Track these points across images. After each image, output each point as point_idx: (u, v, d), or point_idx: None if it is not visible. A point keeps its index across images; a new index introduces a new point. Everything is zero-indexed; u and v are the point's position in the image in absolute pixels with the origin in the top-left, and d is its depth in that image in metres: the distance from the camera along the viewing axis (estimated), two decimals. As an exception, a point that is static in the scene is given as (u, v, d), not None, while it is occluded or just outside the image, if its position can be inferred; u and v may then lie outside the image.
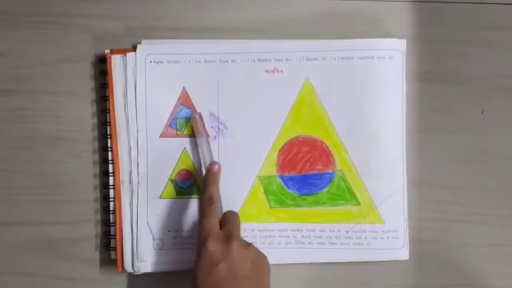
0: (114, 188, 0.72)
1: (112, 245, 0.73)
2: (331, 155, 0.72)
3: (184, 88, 0.72)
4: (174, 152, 0.72)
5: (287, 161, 0.72)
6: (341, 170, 0.72)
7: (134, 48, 0.72)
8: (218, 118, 0.72)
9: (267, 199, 0.72)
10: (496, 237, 0.74)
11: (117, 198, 0.72)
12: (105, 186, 0.73)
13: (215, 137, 0.72)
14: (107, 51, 0.72)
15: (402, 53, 0.72)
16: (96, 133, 0.74)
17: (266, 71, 0.72)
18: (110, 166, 0.72)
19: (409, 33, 0.73)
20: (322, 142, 0.72)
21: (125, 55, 0.71)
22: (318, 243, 0.73)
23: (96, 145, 0.74)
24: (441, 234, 0.74)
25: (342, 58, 0.72)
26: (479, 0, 0.73)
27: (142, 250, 0.72)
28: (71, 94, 0.73)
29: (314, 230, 0.73)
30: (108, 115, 0.72)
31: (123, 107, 0.72)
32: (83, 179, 0.74)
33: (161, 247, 0.72)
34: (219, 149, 0.72)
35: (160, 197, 0.72)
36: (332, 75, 0.72)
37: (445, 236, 0.74)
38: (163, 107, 0.72)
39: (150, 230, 0.72)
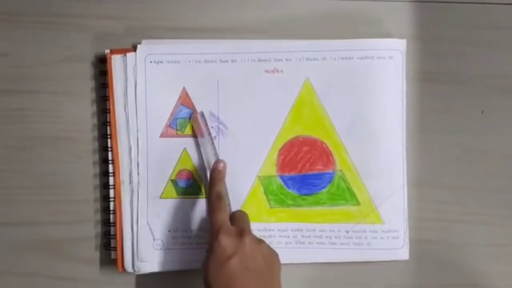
0: (114, 188, 0.72)
1: (112, 245, 0.73)
2: (331, 155, 0.72)
3: (184, 88, 0.72)
4: (174, 152, 0.72)
5: (287, 161, 0.72)
6: (341, 170, 0.72)
7: (134, 48, 0.72)
8: (218, 118, 0.72)
9: (267, 199, 0.72)
10: (496, 237, 0.74)
11: (117, 198, 0.72)
12: (105, 186, 0.73)
13: (215, 137, 0.72)
14: (107, 51, 0.72)
15: (402, 53, 0.72)
16: (96, 133, 0.74)
17: (266, 71, 0.72)
18: (110, 166, 0.72)
19: (409, 33, 0.73)
20: (322, 142, 0.72)
21: (125, 55, 0.71)
22: (318, 243, 0.73)
23: (96, 145, 0.74)
24: (441, 234, 0.74)
25: (342, 58, 0.72)
26: (479, 0, 0.73)
27: (143, 250, 0.72)
28: (71, 94, 0.74)
29: (314, 230, 0.73)
30: (108, 115, 0.72)
31: (123, 107, 0.72)
32: (83, 179, 0.74)
33: (162, 247, 0.72)
34: (219, 149, 0.72)
35: (160, 197, 0.72)
36: (332, 75, 0.72)
37: (445, 236, 0.74)
38: (163, 107, 0.72)
39: (151, 230, 0.72)
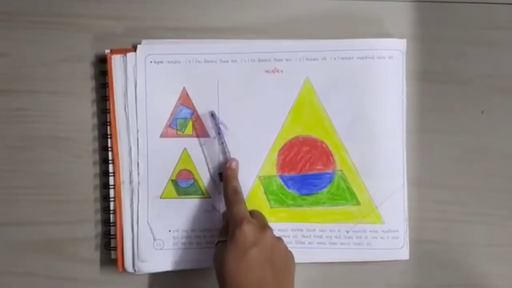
0: (114, 188, 0.72)
1: (112, 245, 0.73)
2: (331, 155, 0.72)
3: (184, 88, 0.72)
4: (175, 152, 0.72)
5: (287, 161, 0.72)
6: (341, 170, 0.72)
7: (134, 48, 0.72)
8: (218, 118, 0.72)
9: (267, 199, 0.72)
10: (496, 237, 0.74)
11: (117, 198, 0.72)
12: (105, 186, 0.73)
13: (214, 137, 0.72)
14: (107, 51, 0.72)
15: (402, 53, 0.72)
16: (96, 133, 0.74)
17: (266, 71, 0.72)
18: (110, 166, 0.72)
19: (409, 33, 0.73)
20: (322, 142, 0.72)
21: (125, 55, 0.71)
22: (318, 243, 0.73)
23: (96, 145, 0.74)
24: (441, 234, 0.74)
25: (342, 58, 0.71)
26: (479, 0, 0.73)
27: (143, 250, 0.72)
28: (71, 94, 0.74)
29: (314, 230, 0.73)
30: (108, 115, 0.72)
31: (123, 107, 0.72)
32: (83, 179, 0.74)
33: (162, 247, 0.72)
34: (219, 149, 0.72)
35: (161, 197, 0.72)
36: (332, 75, 0.72)
37: (445, 236, 0.74)
38: (163, 107, 0.72)
39: (151, 230, 0.72)
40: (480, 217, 0.74)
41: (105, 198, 0.73)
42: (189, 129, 0.72)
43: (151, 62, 0.72)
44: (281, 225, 0.72)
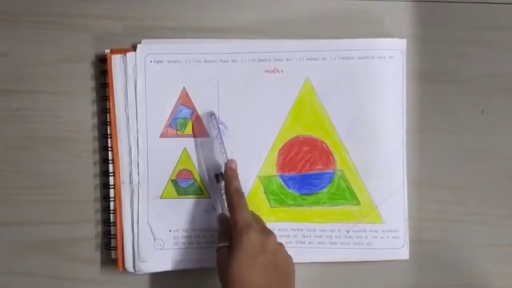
0: (114, 188, 0.72)
1: (112, 244, 0.73)
2: (331, 155, 0.72)
3: (184, 88, 0.72)
4: (174, 152, 0.72)
5: (287, 161, 0.72)
6: (341, 170, 0.72)
7: (134, 48, 0.72)
8: (218, 118, 0.72)
9: (268, 198, 0.72)
10: (496, 237, 0.74)
11: (117, 197, 0.72)
12: (105, 186, 0.73)
13: (214, 137, 0.72)
14: (107, 51, 0.72)
15: (402, 53, 0.72)
16: (96, 133, 0.74)
17: (266, 71, 0.72)
18: (110, 166, 0.72)
19: (409, 33, 0.73)
20: (322, 142, 0.72)
21: (125, 55, 0.71)
22: (318, 243, 0.73)
23: (96, 145, 0.74)
24: (441, 234, 0.74)
25: (342, 58, 0.71)
26: (479, 0, 0.73)
27: (143, 250, 0.72)
28: (71, 94, 0.73)
29: (314, 230, 0.73)
30: (108, 114, 0.72)
31: (123, 107, 0.72)
32: (83, 179, 0.74)
33: (162, 247, 0.72)
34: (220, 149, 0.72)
35: (161, 197, 0.72)
36: (332, 75, 0.72)
37: (445, 236, 0.74)
38: (163, 107, 0.72)
39: (151, 230, 0.72)
40: (480, 217, 0.74)
41: (105, 198, 0.73)
42: (189, 129, 0.72)
43: (151, 61, 0.72)
44: (281, 225, 0.72)
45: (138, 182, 0.72)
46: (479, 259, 0.74)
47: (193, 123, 0.72)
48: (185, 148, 0.72)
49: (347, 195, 0.72)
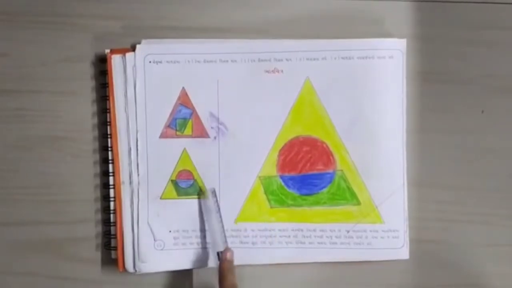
0: (114, 188, 0.72)
1: (112, 244, 0.73)
2: (331, 155, 0.72)
3: (183, 88, 0.72)
4: (174, 153, 0.72)
5: (288, 161, 0.72)
6: (342, 170, 0.72)
7: (133, 48, 0.72)
8: (218, 118, 0.72)
9: (268, 199, 0.72)
10: (496, 237, 0.74)
11: (117, 197, 0.72)
12: (105, 186, 0.73)
13: (215, 137, 0.72)
14: (107, 51, 0.72)
15: (402, 52, 0.72)
16: (96, 133, 0.73)
17: (266, 71, 0.72)
18: (110, 166, 0.72)
19: (409, 33, 0.73)
20: (322, 142, 0.72)
21: (124, 55, 0.71)
22: (318, 243, 0.73)
23: (96, 145, 0.74)
24: (441, 234, 0.74)
25: (342, 58, 0.71)
26: (480, 0, 0.73)
27: (144, 251, 0.72)
28: (71, 94, 0.73)
29: (314, 230, 0.73)
30: (108, 114, 0.72)
31: (123, 107, 0.72)
32: (83, 179, 0.74)
33: (163, 248, 0.72)
34: (219, 150, 0.72)
35: (161, 198, 0.72)
36: (332, 75, 0.71)
37: (445, 236, 0.74)
38: (163, 107, 0.72)
39: (151, 230, 0.72)
40: (480, 217, 0.74)
41: (105, 198, 0.73)
42: (188, 129, 0.72)
43: (150, 62, 0.71)
44: (282, 225, 0.72)
45: (138, 183, 0.72)
46: (479, 259, 0.74)
47: (193, 123, 0.72)
48: (185, 149, 0.72)
49: (347, 195, 0.72)
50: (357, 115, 0.72)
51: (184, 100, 0.72)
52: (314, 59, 0.71)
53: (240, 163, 0.72)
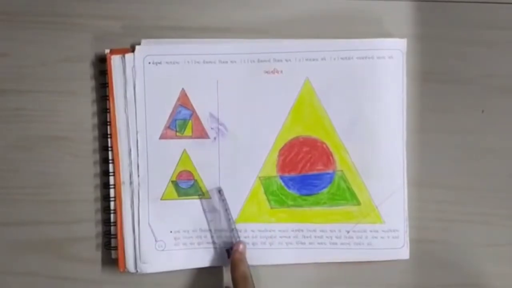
0: (114, 187, 0.72)
1: (113, 244, 0.73)
2: (331, 155, 0.72)
3: (183, 89, 0.72)
4: (174, 153, 0.72)
5: (288, 161, 0.72)
6: (341, 170, 0.72)
7: (133, 49, 0.72)
8: (218, 119, 0.72)
9: (268, 199, 0.72)
10: (496, 237, 0.74)
11: (117, 197, 0.72)
12: (105, 185, 0.73)
13: (215, 138, 0.72)
14: (107, 51, 0.72)
15: (402, 52, 0.71)
16: (96, 133, 0.74)
17: (266, 72, 0.72)
18: (111, 166, 0.72)
19: (409, 33, 0.73)
20: (322, 142, 0.72)
21: (123, 56, 0.71)
22: (319, 243, 0.73)
23: (96, 144, 0.74)
24: (441, 234, 0.74)
25: (342, 58, 0.71)
26: (480, 0, 0.73)
27: (145, 252, 0.72)
28: (71, 94, 0.73)
29: (315, 230, 0.73)
30: (108, 114, 0.72)
31: (123, 108, 0.72)
32: (83, 179, 0.74)
33: (164, 248, 0.72)
34: (219, 150, 0.72)
35: (161, 199, 0.72)
36: (332, 75, 0.71)
37: (445, 236, 0.74)
38: (162, 108, 0.72)
39: (152, 231, 0.72)
40: (480, 217, 0.74)
41: (105, 197, 0.73)
42: (188, 130, 0.72)
43: (149, 63, 0.71)
44: (282, 225, 0.72)
45: (138, 184, 0.72)
46: (479, 259, 0.74)
47: (193, 124, 0.72)
48: (185, 149, 0.72)
49: (347, 195, 0.72)
50: (357, 115, 0.72)
51: (183, 101, 0.72)
52: (314, 59, 0.71)
53: (240, 163, 0.72)
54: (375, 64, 0.71)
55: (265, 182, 0.72)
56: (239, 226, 0.72)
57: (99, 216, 0.74)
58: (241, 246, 0.71)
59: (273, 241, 0.72)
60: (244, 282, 0.67)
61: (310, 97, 0.72)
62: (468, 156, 0.74)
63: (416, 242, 0.73)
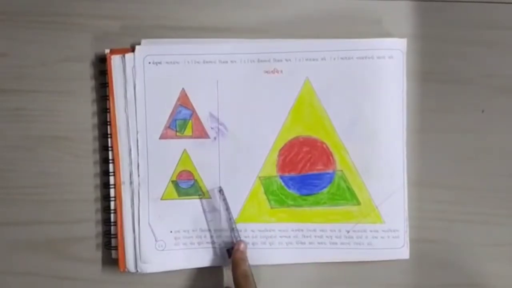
0: (115, 187, 0.72)
1: (113, 244, 0.73)
2: (331, 155, 0.72)
3: (183, 89, 0.72)
4: (174, 153, 0.72)
5: (288, 161, 0.72)
6: (341, 170, 0.72)
7: (133, 48, 0.72)
8: (218, 119, 0.72)
9: (268, 199, 0.72)
10: (496, 237, 0.74)
11: (117, 197, 0.72)
12: (105, 185, 0.73)
13: (215, 138, 0.72)
14: (107, 51, 0.72)
15: (402, 52, 0.71)
16: (96, 133, 0.73)
17: (266, 72, 0.72)
18: (111, 166, 0.72)
19: (409, 33, 0.73)
20: (322, 142, 0.72)
21: (123, 56, 0.71)
22: (319, 243, 0.73)
23: (96, 144, 0.74)
24: (441, 234, 0.74)
25: (342, 58, 0.71)
26: (480, 0, 0.73)
27: (145, 252, 0.72)
28: (71, 94, 0.73)
29: (315, 230, 0.73)
30: (108, 114, 0.72)
31: (123, 108, 0.72)
32: (83, 179, 0.74)
33: (164, 248, 0.72)
34: (219, 150, 0.72)
35: (161, 199, 0.72)
36: (332, 75, 0.71)
37: (445, 236, 0.74)
38: (162, 108, 0.72)
39: (152, 231, 0.72)
40: (480, 216, 0.74)
41: (105, 197, 0.73)
42: (188, 130, 0.72)
43: (149, 63, 0.71)
44: (282, 225, 0.72)
45: (139, 184, 0.72)
46: (479, 259, 0.74)
47: (193, 124, 0.72)
48: (185, 149, 0.72)
49: (347, 195, 0.72)
50: (357, 115, 0.72)
51: (184, 101, 0.72)
52: (314, 59, 0.71)
53: (240, 163, 0.72)
54: (375, 64, 0.71)
55: (265, 182, 0.72)
56: (239, 226, 0.72)
57: (99, 216, 0.74)
58: (242, 245, 0.71)
59: (273, 241, 0.72)
60: (245, 281, 0.67)
61: (310, 97, 0.72)
62: (468, 156, 0.73)
63: (416, 242, 0.73)
